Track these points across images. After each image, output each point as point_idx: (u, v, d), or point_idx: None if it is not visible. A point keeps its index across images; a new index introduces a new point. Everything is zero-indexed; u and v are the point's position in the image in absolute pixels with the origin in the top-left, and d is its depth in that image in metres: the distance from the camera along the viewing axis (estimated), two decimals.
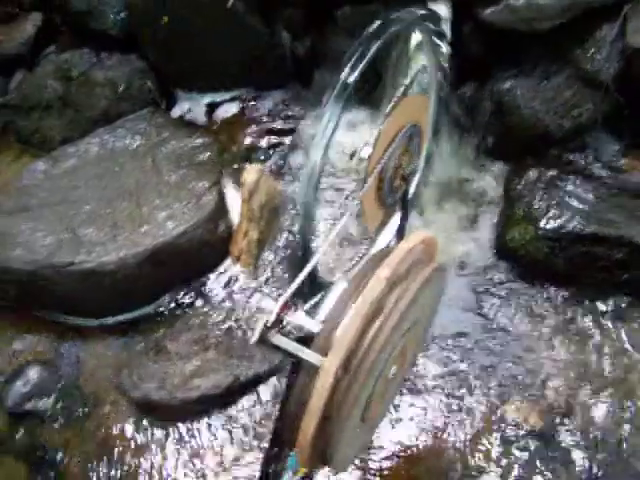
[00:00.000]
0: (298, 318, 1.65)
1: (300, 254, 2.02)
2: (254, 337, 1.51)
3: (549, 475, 2.12)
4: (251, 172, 2.59)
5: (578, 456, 2.13)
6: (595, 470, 2.12)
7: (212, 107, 2.92)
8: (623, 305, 2.38)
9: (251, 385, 2.33)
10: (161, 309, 2.50)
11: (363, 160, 1.94)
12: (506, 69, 2.53)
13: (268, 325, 1.53)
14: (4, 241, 2.47)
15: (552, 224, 2.36)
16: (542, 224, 2.37)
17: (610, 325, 2.36)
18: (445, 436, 2.21)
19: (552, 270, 2.41)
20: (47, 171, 2.66)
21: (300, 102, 2.89)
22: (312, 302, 1.83)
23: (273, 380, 2.34)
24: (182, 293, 2.52)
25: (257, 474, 2.13)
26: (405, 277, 1.57)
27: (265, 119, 2.86)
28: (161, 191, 2.56)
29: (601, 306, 2.39)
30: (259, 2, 2.68)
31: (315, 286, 2.01)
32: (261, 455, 2.20)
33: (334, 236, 1.87)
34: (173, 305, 2.51)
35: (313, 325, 1.64)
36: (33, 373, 2.39)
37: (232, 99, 2.91)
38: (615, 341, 2.33)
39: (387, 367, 1.62)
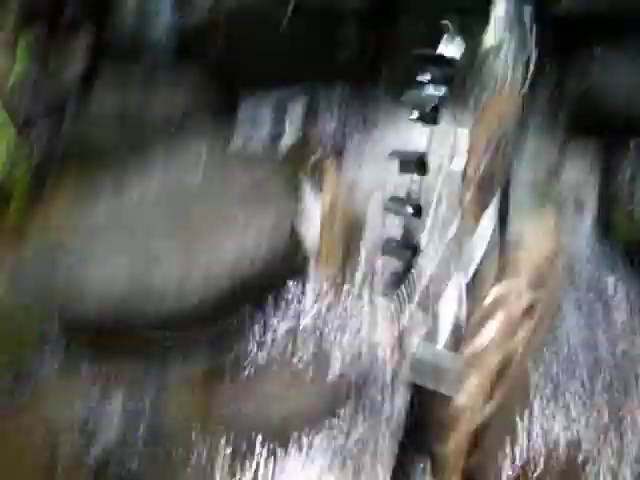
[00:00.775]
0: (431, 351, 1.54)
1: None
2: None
3: None
4: (330, 169, 2.48)
5: None
6: None
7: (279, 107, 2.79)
8: None
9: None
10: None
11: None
12: (594, 48, 2.37)
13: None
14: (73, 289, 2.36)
15: None
16: None
17: None
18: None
19: None
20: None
21: (368, 97, 2.74)
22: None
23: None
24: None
25: None
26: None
27: (334, 115, 2.72)
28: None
29: None
30: None
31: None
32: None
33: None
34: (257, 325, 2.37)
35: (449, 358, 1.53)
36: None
37: (299, 96, 2.77)
38: None
39: None
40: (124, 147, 2.75)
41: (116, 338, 2.32)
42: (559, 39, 2.35)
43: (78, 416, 2.27)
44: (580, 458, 2.00)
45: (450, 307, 1.66)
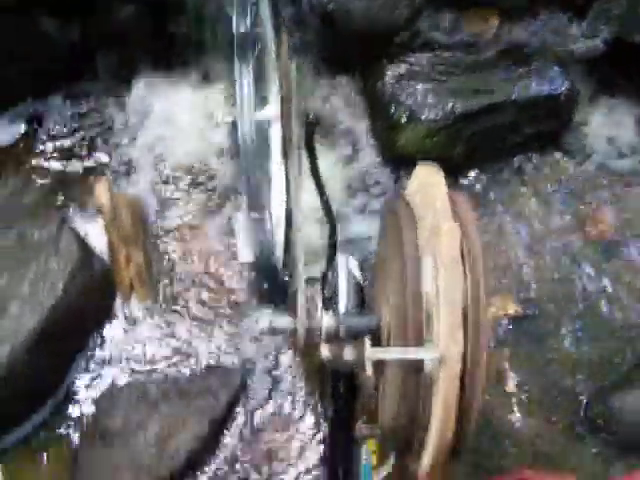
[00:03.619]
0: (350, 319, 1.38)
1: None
2: (368, 367, 1.20)
3: None
4: (102, 189, 2.12)
5: None
6: None
7: None
8: (525, 166, 2.40)
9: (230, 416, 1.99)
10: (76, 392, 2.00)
11: None
12: None
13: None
14: None
15: (440, 113, 2.24)
16: (430, 117, 2.23)
17: (521, 189, 2.36)
18: None
19: (453, 161, 2.31)
20: None
21: (95, 92, 2.41)
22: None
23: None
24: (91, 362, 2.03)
25: None
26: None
27: (64, 126, 2.34)
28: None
29: (505, 175, 2.38)
30: None
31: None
32: None
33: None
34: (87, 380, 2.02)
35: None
36: None
37: (11, 121, 2.35)
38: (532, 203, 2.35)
39: None
40: None
41: None
42: None
43: None
44: None
45: None
